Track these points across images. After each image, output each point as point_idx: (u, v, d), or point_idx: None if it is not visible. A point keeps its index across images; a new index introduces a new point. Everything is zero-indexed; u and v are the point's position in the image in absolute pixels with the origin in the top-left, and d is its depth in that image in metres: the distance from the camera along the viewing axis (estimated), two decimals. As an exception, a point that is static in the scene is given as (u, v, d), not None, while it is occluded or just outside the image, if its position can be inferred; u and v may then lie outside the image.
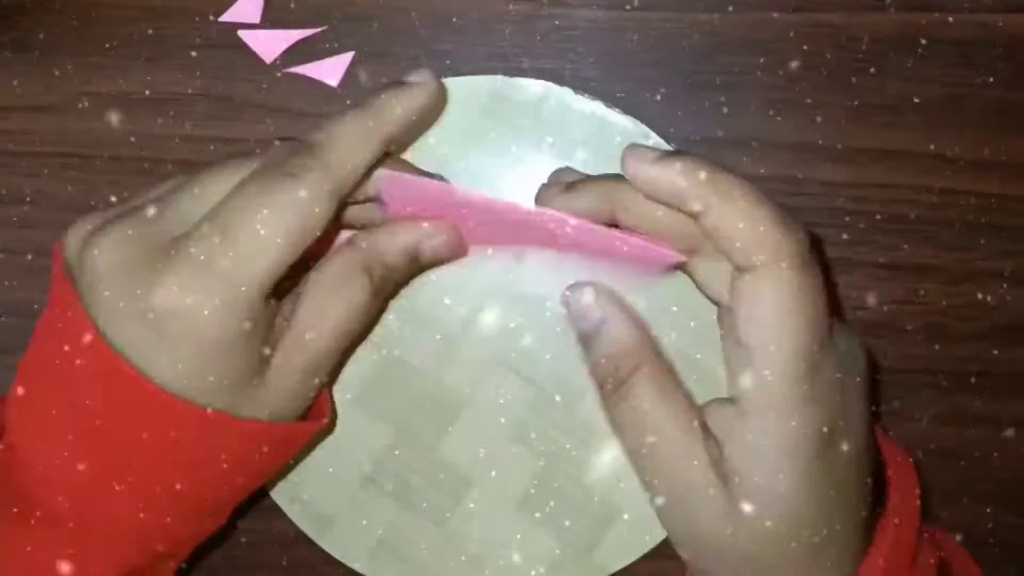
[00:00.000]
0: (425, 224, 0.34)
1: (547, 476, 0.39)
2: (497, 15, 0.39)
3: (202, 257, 0.29)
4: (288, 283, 0.32)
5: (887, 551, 0.31)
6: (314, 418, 0.35)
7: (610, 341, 0.32)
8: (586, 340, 0.33)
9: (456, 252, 0.35)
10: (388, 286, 0.34)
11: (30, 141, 0.40)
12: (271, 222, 0.29)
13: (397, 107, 0.32)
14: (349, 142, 0.31)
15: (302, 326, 0.32)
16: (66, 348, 0.30)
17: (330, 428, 0.38)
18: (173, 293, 0.29)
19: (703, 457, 0.30)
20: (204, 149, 0.40)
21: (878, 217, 0.39)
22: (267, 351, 0.32)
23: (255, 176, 0.31)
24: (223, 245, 0.29)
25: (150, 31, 0.40)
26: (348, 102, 0.39)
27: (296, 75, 0.39)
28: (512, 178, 0.39)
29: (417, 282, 0.39)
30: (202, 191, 0.31)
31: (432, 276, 0.39)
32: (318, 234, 0.30)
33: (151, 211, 0.31)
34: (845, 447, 0.30)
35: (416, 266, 0.35)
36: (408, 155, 0.39)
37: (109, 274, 0.30)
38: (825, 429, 0.29)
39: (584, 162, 0.39)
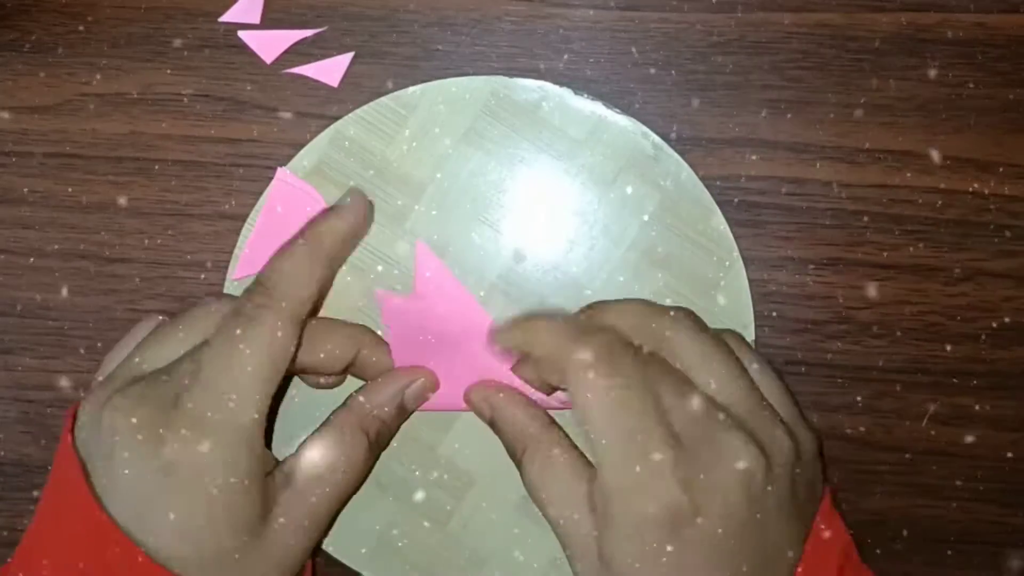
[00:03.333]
0: (403, 375, 0.37)
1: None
2: (497, 15, 0.39)
3: (197, 410, 0.32)
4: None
5: None
6: None
7: (501, 431, 0.36)
8: (493, 429, 0.37)
9: (432, 391, 0.38)
10: (384, 440, 0.37)
11: (30, 141, 0.40)
12: (246, 366, 0.32)
13: (333, 231, 0.36)
14: (296, 272, 0.35)
15: (304, 491, 0.34)
16: (72, 528, 0.33)
17: None
18: (178, 447, 0.32)
19: (585, 526, 0.33)
20: (204, 149, 0.40)
21: (878, 217, 0.39)
22: (263, 515, 0.33)
23: (222, 328, 0.33)
24: (211, 397, 0.32)
25: (150, 31, 0.40)
26: (347, 102, 0.39)
27: (296, 75, 0.39)
28: (512, 178, 0.39)
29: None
30: (186, 336, 0.35)
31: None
32: (289, 359, 0.34)
33: (146, 366, 0.34)
34: (700, 524, 0.31)
35: (404, 415, 0.38)
36: (410, 157, 0.39)
37: (119, 437, 0.32)
38: (672, 509, 0.31)
39: (584, 162, 0.39)
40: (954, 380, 0.40)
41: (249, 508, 0.33)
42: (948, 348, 0.40)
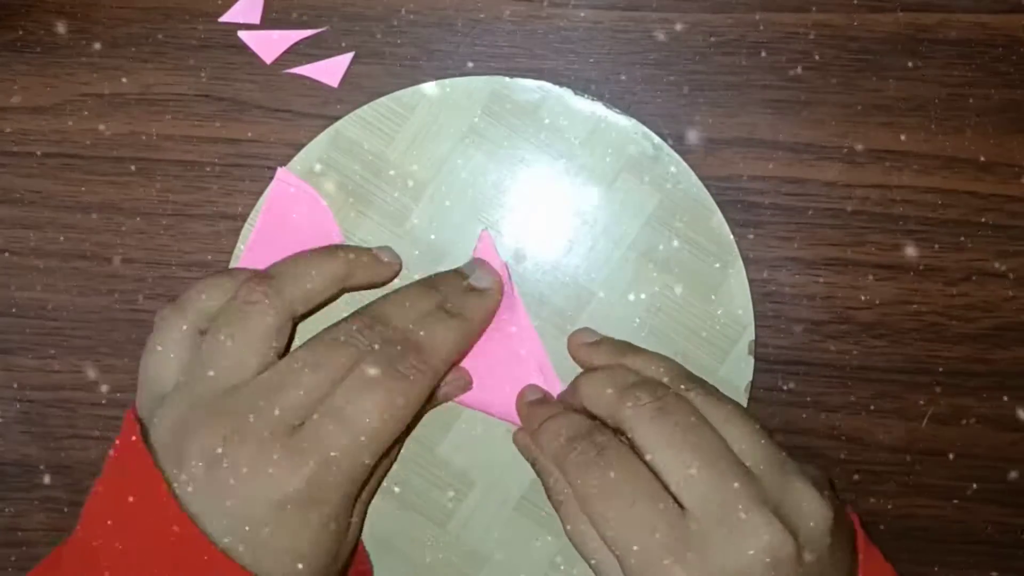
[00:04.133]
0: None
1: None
2: (497, 15, 0.39)
3: (324, 450, 0.32)
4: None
5: None
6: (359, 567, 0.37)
7: (543, 478, 0.37)
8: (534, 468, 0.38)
9: (464, 391, 0.39)
10: (413, 425, 0.38)
11: (30, 141, 0.40)
12: (388, 423, 0.33)
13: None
14: (445, 341, 0.35)
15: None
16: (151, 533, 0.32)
17: None
18: (296, 479, 0.32)
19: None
20: (204, 149, 0.40)
21: (878, 217, 0.39)
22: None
23: (370, 378, 0.33)
24: (345, 443, 0.32)
25: (150, 31, 0.40)
26: (347, 102, 0.39)
27: (296, 75, 0.39)
28: (512, 178, 0.39)
29: (417, 282, 0.39)
30: (304, 389, 0.33)
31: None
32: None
33: (264, 408, 0.33)
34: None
35: (434, 405, 0.39)
36: (410, 157, 0.39)
37: (236, 466, 0.32)
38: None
39: (584, 162, 0.39)
40: (954, 381, 0.40)
41: (343, 533, 0.34)
42: (948, 348, 0.40)
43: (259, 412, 0.32)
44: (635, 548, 0.32)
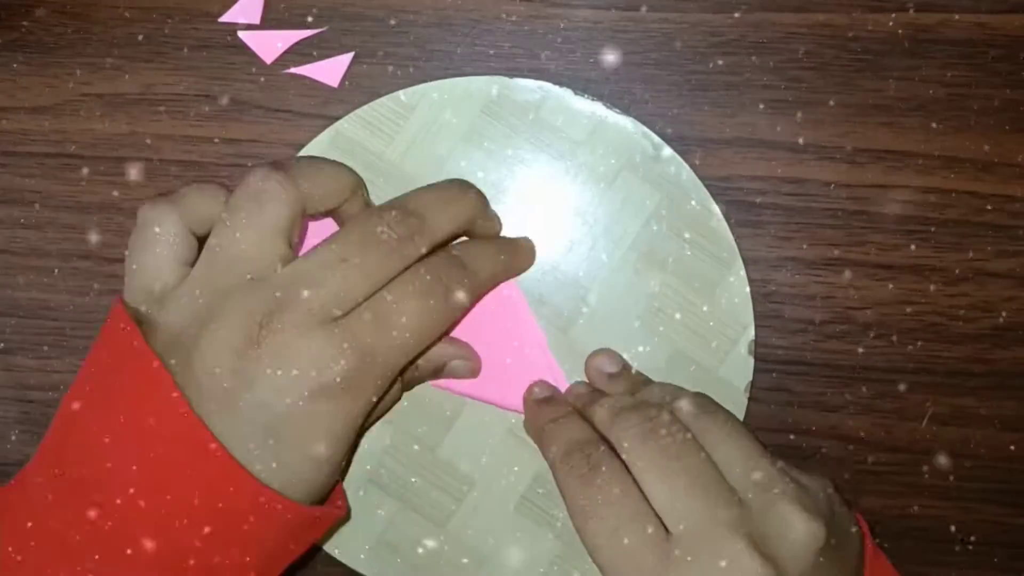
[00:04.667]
0: (458, 347, 0.38)
1: (547, 476, 0.39)
2: (497, 15, 0.39)
3: (368, 343, 0.32)
4: None
5: None
6: (332, 503, 0.36)
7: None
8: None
9: (471, 375, 0.39)
10: (414, 384, 0.38)
11: (30, 141, 0.40)
12: (427, 328, 0.34)
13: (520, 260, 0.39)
14: (490, 266, 0.37)
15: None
16: (151, 421, 0.31)
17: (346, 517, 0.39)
18: (339, 366, 0.31)
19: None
20: (204, 149, 0.40)
21: (878, 217, 0.39)
22: None
23: (416, 284, 0.33)
24: (388, 338, 0.32)
25: (150, 31, 0.40)
26: (347, 102, 0.39)
27: (296, 75, 0.39)
28: (512, 178, 0.39)
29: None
30: (352, 281, 0.32)
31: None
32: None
33: (312, 296, 0.32)
34: None
35: (437, 376, 0.38)
36: (410, 157, 0.39)
37: (287, 362, 0.31)
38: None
39: (584, 162, 0.39)
40: (954, 380, 0.40)
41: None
42: (948, 348, 0.40)
43: (297, 299, 0.31)
44: (619, 570, 0.32)
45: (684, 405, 0.35)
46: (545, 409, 0.37)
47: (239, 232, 0.32)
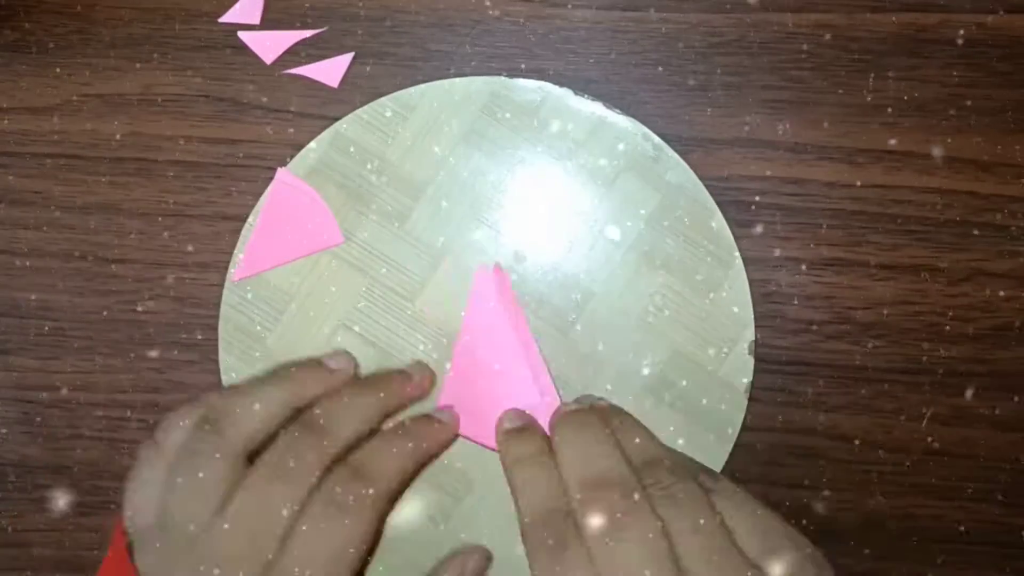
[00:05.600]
0: (459, 559, 0.38)
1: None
2: (497, 16, 0.39)
3: None
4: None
5: None
6: None
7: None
8: None
9: (486, 565, 0.39)
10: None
11: (30, 141, 0.40)
12: (342, 553, 0.33)
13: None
14: (395, 467, 0.36)
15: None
16: None
17: None
18: None
19: None
20: (204, 149, 0.40)
21: (878, 217, 0.39)
22: None
23: (321, 515, 0.33)
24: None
25: (150, 32, 0.40)
26: (347, 102, 0.39)
27: (296, 76, 0.39)
28: (512, 178, 0.39)
29: (418, 287, 0.39)
30: (273, 521, 0.33)
31: (431, 281, 0.39)
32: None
33: (246, 553, 0.33)
34: None
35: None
36: (410, 157, 0.39)
37: None
38: None
39: (584, 163, 0.39)
40: (954, 381, 0.40)
41: None
42: (948, 348, 0.40)
43: (220, 563, 0.32)
44: None
45: (650, 477, 0.33)
46: (513, 443, 0.36)
47: (179, 494, 0.34)
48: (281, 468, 0.34)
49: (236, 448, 0.34)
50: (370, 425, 0.36)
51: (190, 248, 0.40)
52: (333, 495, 0.34)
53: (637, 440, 0.34)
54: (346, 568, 0.33)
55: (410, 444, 0.36)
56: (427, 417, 0.38)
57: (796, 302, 0.40)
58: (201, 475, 0.34)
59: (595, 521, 0.32)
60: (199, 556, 0.33)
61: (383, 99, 0.39)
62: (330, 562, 0.33)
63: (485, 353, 0.38)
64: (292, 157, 0.39)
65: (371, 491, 0.34)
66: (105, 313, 0.41)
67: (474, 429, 0.38)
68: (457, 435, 0.38)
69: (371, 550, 0.35)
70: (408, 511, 0.40)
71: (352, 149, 0.39)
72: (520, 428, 0.37)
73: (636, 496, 0.32)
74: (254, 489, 0.33)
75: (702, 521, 0.32)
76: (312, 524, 0.33)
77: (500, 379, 0.38)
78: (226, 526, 0.33)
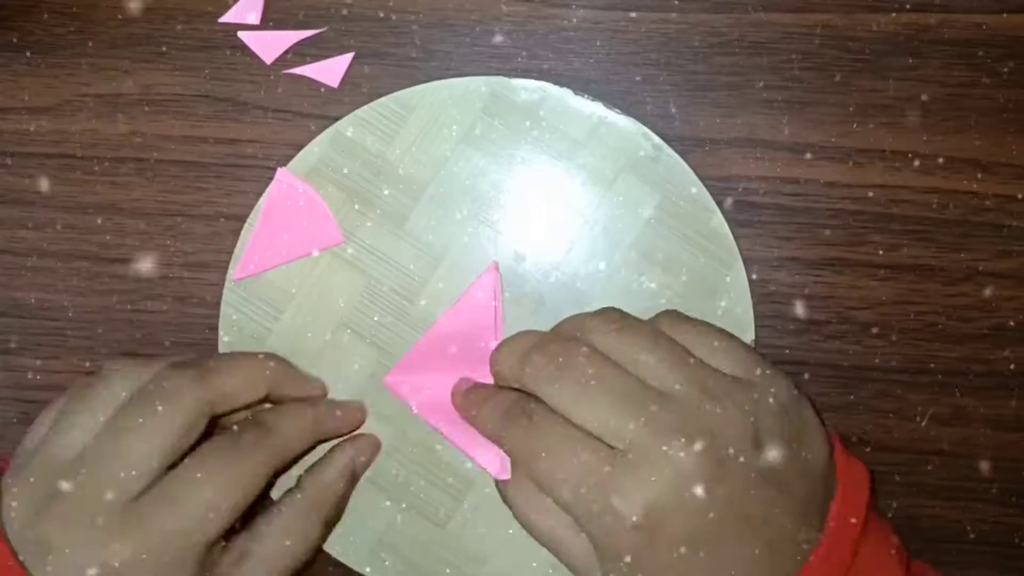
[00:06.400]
0: (348, 447, 0.39)
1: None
2: (497, 16, 0.39)
3: (155, 524, 0.32)
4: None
5: None
6: None
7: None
8: None
9: (377, 452, 0.40)
10: (339, 512, 0.39)
11: (30, 141, 0.40)
12: (223, 493, 0.33)
13: (338, 423, 0.38)
14: (296, 434, 0.36)
15: (257, 568, 0.35)
16: None
17: None
18: (124, 554, 0.32)
19: (582, 544, 0.34)
20: (204, 149, 0.40)
21: (878, 217, 0.39)
22: None
23: (210, 450, 0.34)
24: (176, 516, 0.32)
25: (150, 32, 0.40)
26: (347, 102, 0.39)
27: (296, 76, 0.39)
28: (512, 179, 0.39)
29: (418, 287, 0.39)
30: (133, 460, 0.33)
31: (431, 281, 0.39)
32: (254, 497, 0.34)
33: (87, 480, 0.32)
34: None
35: (356, 482, 0.39)
36: (410, 158, 0.39)
37: (58, 545, 0.32)
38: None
39: (584, 163, 0.39)
40: (954, 381, 0.40)
41: None
42: (948, 348, 0.40)
43: (85, 486, 0.32)
44: (582, 497, 0.32)
45: (596, 325, 0.35)
46: (470, 397, 0.37)
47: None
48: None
49: (206, 399, 0.34)
50: (312, 438, 0.37)
51: (190, 248, 0.40)
52: (232, 435, 0.34)
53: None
54: (227, 508, 0.33)
55: (313, 413, 0.37)
56: (336, 402, 0.39)
57: (796, 302, 0.40)
58: (160, 409, 0.33)
59: (541, 373, 0.34)
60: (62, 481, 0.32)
61: (383, 99, 0.39)
62: (214, 494, 0.33)
63: (459, 345, 0.39)
64: (292, 157, 0.39)
65: (267, 438, 0.35)
66: (105, 313, 0.41)
67: (429, 413, 0.39)
68: (362, 422, 0.39)
69: (253, 504, 0.35)
70: (408, 511, 0.40)
71: (352, 149, 0.39)
72: (472, 387, 0.38)
73: (572, 343, 0.34)
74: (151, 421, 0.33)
75: (649, 337, 0.34)
76: (197, 457, 0.33)
77: (462, 368, 0.39)
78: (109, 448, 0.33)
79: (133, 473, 0.32)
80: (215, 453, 0.34)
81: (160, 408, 0.33)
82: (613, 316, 0.36)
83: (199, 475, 0.33)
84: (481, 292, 0.39)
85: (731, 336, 0.36)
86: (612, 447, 0.32)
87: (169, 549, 0.32)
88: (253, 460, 0.34)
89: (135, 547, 0.32)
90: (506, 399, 0.36)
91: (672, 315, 0.37)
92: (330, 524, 0.38)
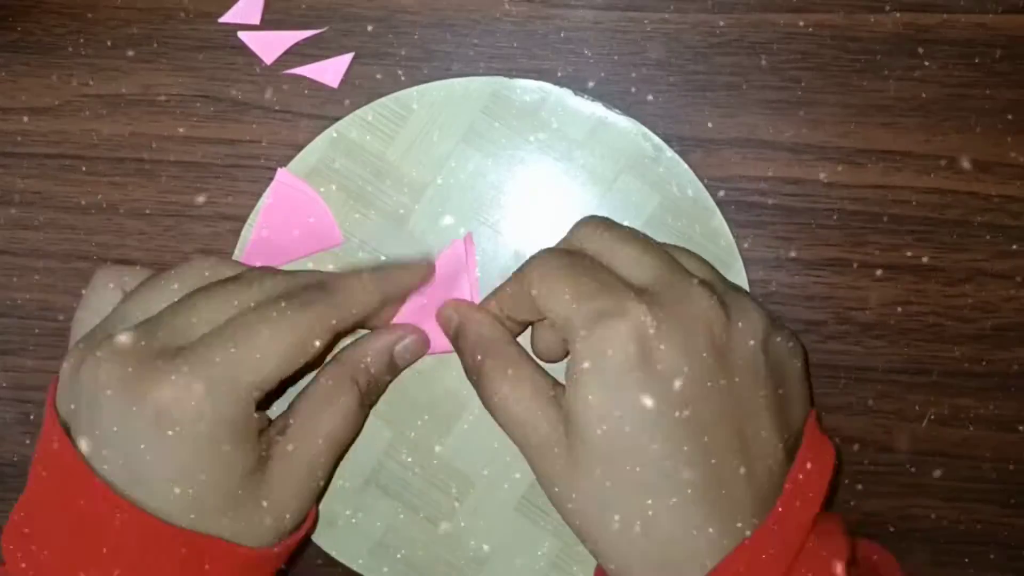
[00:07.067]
0: (395, 330, 0.38)
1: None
2: (497, 16, 0.39)
3: (206, 361, 0.31)
4: (274, 396, 0.36)
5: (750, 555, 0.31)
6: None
7: (462, 342, 0.36)
8: (454, 343, 0.37)
9: (423, 350, 0.38)
10: (374, 393, 0.38)
11: (30, 141, 0.40)
12: (277, 340, 0.32)
13: (403, 277, 0.37)
14: (358, 290, 0.35)
15: (299, 439, 0.34)
16: (64, 493, 0.32)
17: (312, 529, 0.38)
18: (173, 390, 0.31)
19: (550, 418, 0.33)
20: (204, 150, 0.40)
21: (878, 217, 0.39)
22: (260, 463, 0.33)
23: (270, 304, 0.33)
24: (228, 353, 0.32)
25: (150, 32, 0.40)
26: (347, 102, 0.39)
27: (296, 76, 0.39)
28: (512, 179, 0.39)
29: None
30: (197, 313, 0.33)
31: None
32: (312, 358, 0.33)
33: (145, 328, 0.33)
34: (663, 372, 0.31)
35: (395, 371, 0.38)
36: (409, 158, 0.39)
37: (108, 388, 0.32)
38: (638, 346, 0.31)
39: (584, 163, 0.39)
40: (954, 381, 0.40)
41: (244, 460, 0.32)
42: (948, 348, 0.40)
43: (137, 333, 0.32)
44: (588, 306, 0.32)
45: (579, 229, 0.35)
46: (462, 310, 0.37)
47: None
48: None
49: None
50: (377, 296, 0.36)
51: (190, 249, 0.40)
52: (293, 289, 0.34)
53: None
54: (281, 355, 0.32)
55: (374, 272, 0.36)
56: (400, 262, 0.39)
57: (796, 302, 0.40)
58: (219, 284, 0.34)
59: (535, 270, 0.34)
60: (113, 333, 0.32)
61: (383, 99, 0.39)
62: (269, 340, 0.32)
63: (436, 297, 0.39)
64: (292, 158, 0.39)
65: (331, 297, 0.34)
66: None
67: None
68: (430, 276, 0.38)
69: (311, 366, 0.35)
70: (408, 511, 0.40)
71: (352, 149, 0.39)
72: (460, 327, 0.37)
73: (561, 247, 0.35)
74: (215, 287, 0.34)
75: (624, 239, 0.35)
76: (258, 309, 0.33)
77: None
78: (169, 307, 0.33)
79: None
80: (275, 305, 0.33)
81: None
82: (599, 219, 0.36)
83: (257, 321, 0.32)
84: (453, 262, 0.39)
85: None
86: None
87: (218, 391, 0.31)
88: (313, 311, 0.33)
89: (182, 387, 0.31)
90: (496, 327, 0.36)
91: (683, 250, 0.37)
92: (365, 402, 0.37)
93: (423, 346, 0.38)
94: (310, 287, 0.34)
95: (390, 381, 0.38)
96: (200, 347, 0.32)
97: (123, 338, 0.32)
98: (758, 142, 0.39)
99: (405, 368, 0.38)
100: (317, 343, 0.33)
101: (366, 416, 0.37)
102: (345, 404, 0.35)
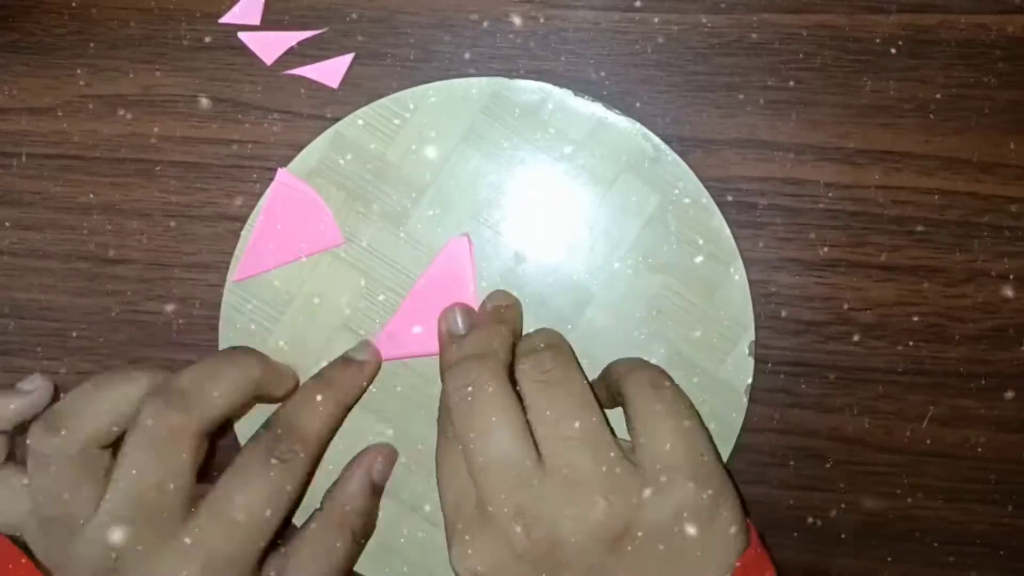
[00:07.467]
0: (365, 458, 0.39)
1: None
2: (497, 16, 0.39)
3: (208, 540, 0.33)
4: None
5: None
6: None
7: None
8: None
9: (394, 459, 0.40)
10: (370, 527, 0.39)
11: (30, 142, 0.40)
12: (265, 503, 0.34)
13: (353, 386, 0.38)
14: (318, 418, 0.37)
15: None
16: None
17: None
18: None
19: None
20: (204, 150, 0.40)
21: (878, 217, 0.39)
22: None
23: (245, 465, 0.34)
24: (225, 530, 0.33)
25: (150, 32, 0.40)
26: (347, 102, 0.39)
27: (296, 76, 0.39)
28: (512, 180, 0.39)
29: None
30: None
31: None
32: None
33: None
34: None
35: (379, 492, 0.39)
36: (409, 159, 0.39)
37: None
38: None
39: (584, 163, 0.39)
40: (954, 381, 0.40)
41: None
42: (948, 348, 0.40)
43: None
44: (503, 499, 0.32)
45: (526, 370, 0.34)
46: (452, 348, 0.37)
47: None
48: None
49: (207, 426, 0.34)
50: (337, 414, 0.37)
51: (190, 249, 0.40)
52: (267, 445, 0.35)
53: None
54: (272, 521, 0.34)
55: (333, 394, 0.37)
56: (344, 360, 0.38)
57: (796, 303, 0.40)
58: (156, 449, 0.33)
59: (455, 397, 0.34)
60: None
61: (383, 100, 0.39)
62: (252, 519, 0.33)
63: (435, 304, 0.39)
64: (292, 158, 0.39)
65: (301, 453, 0.35)
66: (105, 314, 0.41)
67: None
68: (377, 367, 0.39)
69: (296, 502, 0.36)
70: (408, 513, 0.40)
71: (352, 150, 0.39)
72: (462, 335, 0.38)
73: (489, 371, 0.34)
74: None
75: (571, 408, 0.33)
76: (239, 477, 0.34)
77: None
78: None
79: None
80: (252, 468, 0.34)
81: (156, 448, 0.33)
82: (546, 362, 0.34)
83: (239, 493, 0.33)
84: (452, 259, 0.39)
85: (683, 414, 0.34)
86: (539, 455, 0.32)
87: (223, 566, 0.33)
88: (290, 469, 0.34)
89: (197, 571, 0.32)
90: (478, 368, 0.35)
91: (646, 373, 0.36)
92: (360, 538, 0.38)
93: (393, 456, 0.40)
94: (280, 433, 0.35)
95: (378, 503, 0.40)
96: (201, 530, 0.33)
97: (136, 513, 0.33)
98: (758, 142, 0.39)
99: (386, 483, 0.40)
100: (303, 484, 0.35)
101: (363, 548, 0.39)
102: (340, 551, 0.37)
